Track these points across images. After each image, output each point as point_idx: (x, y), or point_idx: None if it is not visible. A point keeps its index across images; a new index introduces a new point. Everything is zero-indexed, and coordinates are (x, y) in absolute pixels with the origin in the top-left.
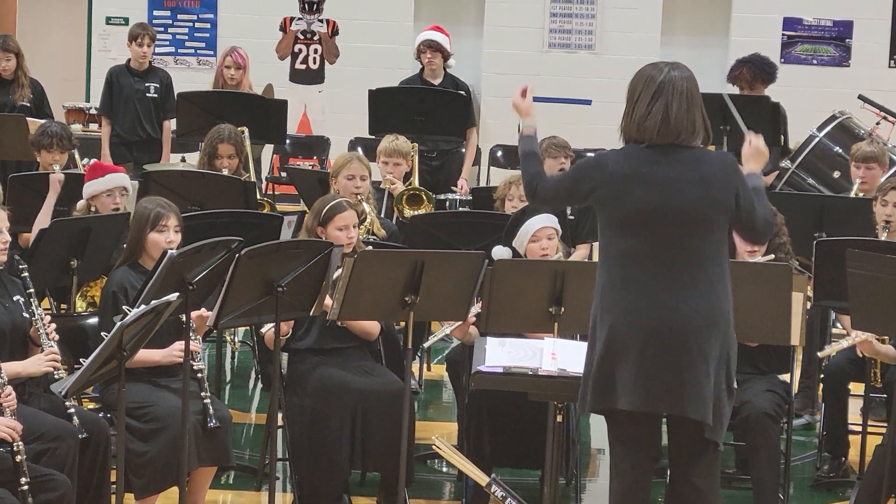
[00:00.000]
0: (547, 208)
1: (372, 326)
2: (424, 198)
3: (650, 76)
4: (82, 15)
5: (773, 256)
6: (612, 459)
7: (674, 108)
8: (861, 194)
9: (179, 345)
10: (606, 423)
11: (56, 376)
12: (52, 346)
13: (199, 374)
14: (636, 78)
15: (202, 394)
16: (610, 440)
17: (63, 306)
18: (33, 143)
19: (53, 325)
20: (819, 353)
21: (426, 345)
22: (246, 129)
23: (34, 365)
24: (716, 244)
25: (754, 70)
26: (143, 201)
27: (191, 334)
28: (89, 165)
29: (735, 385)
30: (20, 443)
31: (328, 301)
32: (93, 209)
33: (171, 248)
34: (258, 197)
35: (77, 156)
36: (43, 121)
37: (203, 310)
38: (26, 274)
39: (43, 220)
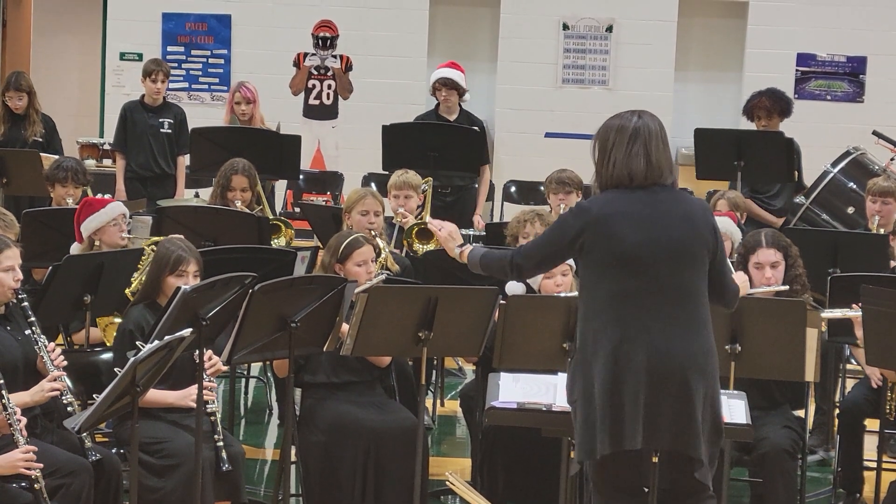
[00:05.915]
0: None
1: None
2: None
3: (619, 126)
4: (96, 51)
5: (787, 288)
6: None
7: (652, 148)
8: (882, 230)
9: (195, 389)
10: (598, 474)
11: (69, 410)
12: (56, 372)
13: (213, 417)
14: (603, 131)
15: (215, 436)
16: (602, 492)
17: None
18: (47, 177)
19: (59, 351)
20: (823, 315)
21: None
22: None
23: (38, 392)
24: (702, 281)
25: (773, 100)
26: (166, 241)
27: (205, 375)
28: (80, 204)
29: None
30: (39, 472)
31: (344, 327)
32: (97, 244)
33: None
34: (271, 217)
35: (90, 192)
36: (55, 156)
37: (210, 352)
38: (26, 304)
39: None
